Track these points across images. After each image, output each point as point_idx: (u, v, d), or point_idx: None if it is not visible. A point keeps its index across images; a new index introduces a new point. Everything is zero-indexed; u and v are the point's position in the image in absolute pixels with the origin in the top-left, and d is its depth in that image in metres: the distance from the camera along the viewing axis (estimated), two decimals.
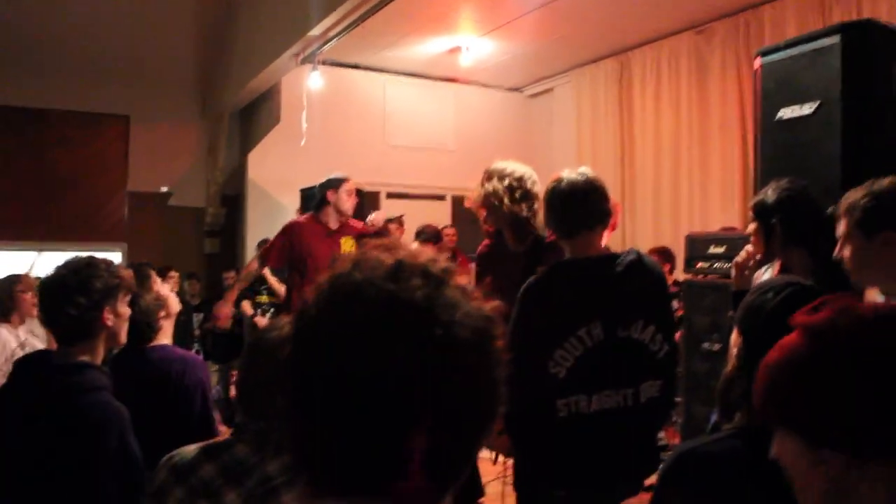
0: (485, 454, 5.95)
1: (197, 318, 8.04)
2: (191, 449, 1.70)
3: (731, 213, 6.91)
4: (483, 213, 3.28)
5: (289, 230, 5.03)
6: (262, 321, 7.58)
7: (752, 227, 2.86)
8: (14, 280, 4.81)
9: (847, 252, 2.30)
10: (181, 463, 1.66)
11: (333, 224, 5.03)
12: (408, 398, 0.74)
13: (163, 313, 2.95)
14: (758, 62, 3.46)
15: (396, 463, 0.75)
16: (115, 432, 2.12)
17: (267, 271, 7.67)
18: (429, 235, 7.37)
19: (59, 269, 2.31)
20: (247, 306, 7.82)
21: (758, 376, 1.13)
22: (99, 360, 2.31)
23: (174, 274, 7.66)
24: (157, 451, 2.52)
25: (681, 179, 7.68)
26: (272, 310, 7.59)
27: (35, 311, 5.77)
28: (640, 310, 2.46)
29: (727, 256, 4.91)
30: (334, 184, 5.03)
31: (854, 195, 2.27)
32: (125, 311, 2.37)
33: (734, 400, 1.64)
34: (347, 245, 5.08)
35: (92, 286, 2.24)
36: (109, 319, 2.27)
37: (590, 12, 7.22)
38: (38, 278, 6.45)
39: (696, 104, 7.59)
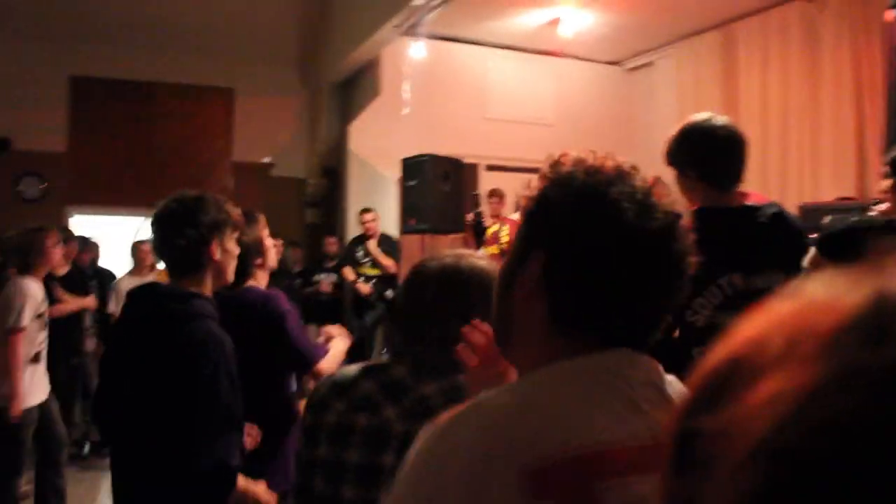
0: None
1: (296, 283, 8.25)
2: (352, 368, 1.77)
3: (846, 184, 6.68)
4: None
5: None
6: (363, 287, 7.75)
7: (885, 183, 2.76)
8: (43, 232, 4.79)
9: None
10: (342, 380, 1.73)
11: None
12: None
13: (259, 260, 2.92)
14: (891, 15, 3.35)
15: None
16: (212, 359, 2.16)
17: (373, 245, 7.83)
18: None
19: (169, 201, 2.33)
20: (348, 272, 8.01)
21: None
22: (207, 292, 2.35)
23: (278, 242, 7.85)
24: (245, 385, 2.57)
25: (790, 154, 7.46)
26: (374, 280, 7.75)
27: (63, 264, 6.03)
28: (779, 262, 2.40)
29: None
30: None
31: None
32: (233, 248, 2.40)
33: None
34: None
35: (200, 219, 2.28)
36: (217, 253, 2.31)
37: None
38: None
39: (806, 76, 7.34)
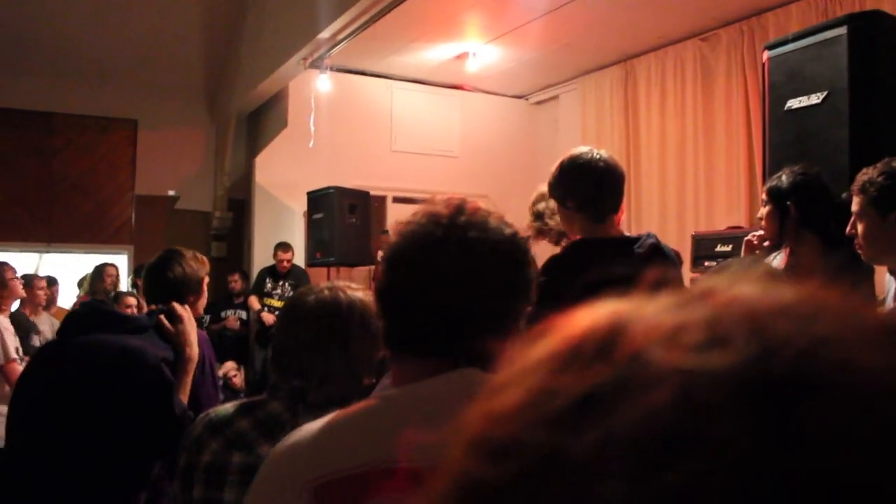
0: None
1: (204, 319, 8.09)
2: (227, 406, 1.76)
3: (737, 214, 6.95)
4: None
5: None
6: (267, 316, 7.67)
7: (764, 210, 2.89)
8: (4, 266, 5.09)
9: (860, 229, 2.34)
10: (217, 419, 1.72)
11: None
12: None
13: (192, 298, 2.87)
14: (765, 55, 3.52)
15: None
16: None
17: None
18: None
19: None
20: (254, 301, 7.91)
21: None
22: None
23: None
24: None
25: (686, 183, 7.73)
26: (277, 312, 7.67)
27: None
28: (661, 291, 2.47)
29: (734, 255, 4.96)
30: None
31: (870, 173, 2.30)
32: None
33: None
34: None
35: None
36: None
37: (595, 19, 7.29)
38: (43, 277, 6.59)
39: (701, 109, 7.65)
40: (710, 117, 7.58)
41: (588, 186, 2.49)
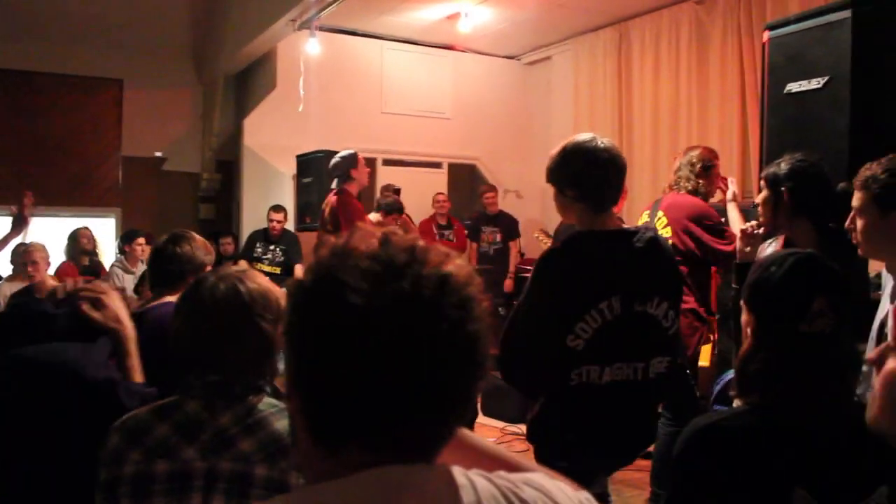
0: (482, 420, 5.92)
1: None
2: (141, 411, 1.70)
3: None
4: None
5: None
6: None
7: (761, 196, 2.88)
8: None
9: (859, 225, 2.31)
10: (133, 426, 1.66)
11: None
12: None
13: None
14: (766, 35, 3.45)
15: None
16: None
17: None
18: (389, 207, 6.44)
19: None
20: (244, 266, 7.85)
21: None
22: None
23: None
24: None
25: (679, 149, 7.66)
26: (269, 278, 7.62)
27: None
28: (656, 286, 2.46)
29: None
30: (352, 160, 5.66)
31: (874, 169, 2.26)
32: None
33: (752, 376, 1.66)
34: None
35: None
36: None
37: None
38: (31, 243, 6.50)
39: (695, 75, 7.56)
40: (704, 83, 7.49)
41: (591, 177, 2.45)
